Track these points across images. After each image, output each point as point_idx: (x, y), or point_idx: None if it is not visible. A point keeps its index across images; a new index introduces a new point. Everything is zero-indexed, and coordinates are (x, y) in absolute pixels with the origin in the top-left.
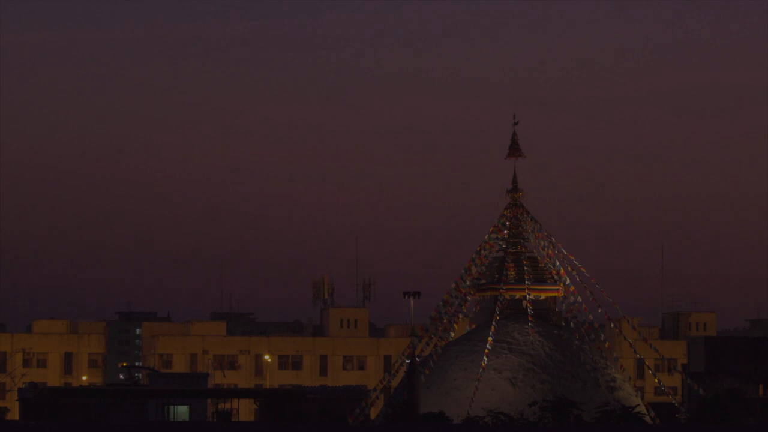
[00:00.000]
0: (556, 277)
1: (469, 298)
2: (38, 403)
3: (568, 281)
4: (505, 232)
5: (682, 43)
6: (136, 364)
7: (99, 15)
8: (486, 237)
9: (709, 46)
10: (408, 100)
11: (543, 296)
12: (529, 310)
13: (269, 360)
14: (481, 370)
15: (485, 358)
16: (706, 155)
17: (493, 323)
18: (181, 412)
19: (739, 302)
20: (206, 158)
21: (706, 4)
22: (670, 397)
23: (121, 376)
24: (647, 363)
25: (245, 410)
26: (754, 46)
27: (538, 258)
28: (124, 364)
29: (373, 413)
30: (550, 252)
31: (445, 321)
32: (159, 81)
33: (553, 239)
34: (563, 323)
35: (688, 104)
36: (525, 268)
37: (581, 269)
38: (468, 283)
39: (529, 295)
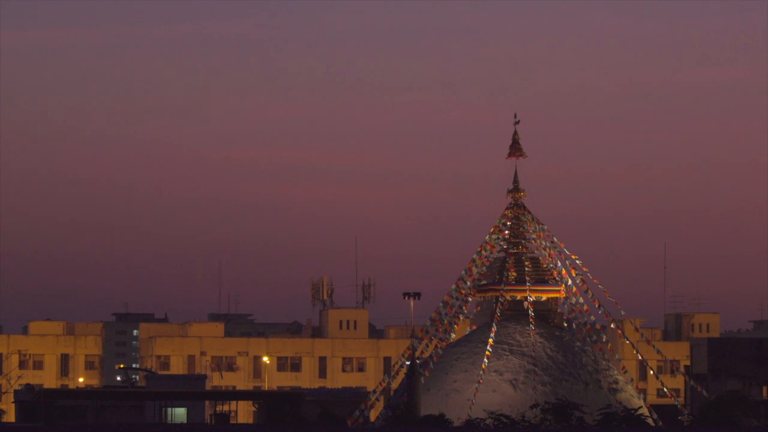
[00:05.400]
0: (557, 278)
1: (470, 299)
2: (35, 405)
3: (569, 282)
4: (506, 232)
5: (682, 42)
6: (134, 365)
7: (99, 15)
8: (487, 237)
9: (710, 46)
10: (408, 99)
11: (544, 297)
12: (530, 312)
13: (268, 361)
14: (481, 371)
15: (486, 359)
16: (709, 155)
17: (494, 324)
18: (179, 413)
19: (742, 303)
20: (205, 158)
21: (707, 4)
22: (673, 399)
23: (119, 378)
24: (650, 365)
25: (243, 412)
26: (756, 46)
27: (540, 258)
28: (122, 366)
29: (373, 415)
30: (551, 252)
31: (445, 322)
32: (159, 81)
33: (554, 240)
34: (565, 324)
35: (689, 104)
36: (526, 268)
37: (583, 269)
38: (468, 284)
39: (530, 296)
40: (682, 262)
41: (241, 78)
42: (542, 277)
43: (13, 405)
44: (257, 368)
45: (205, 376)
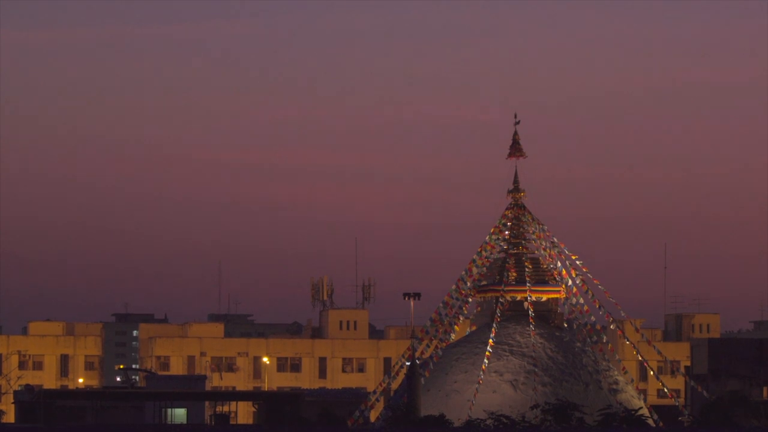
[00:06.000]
0: (557, 279)
1: (470, 300)
2: (34, 405)
3: (569, 282)
4: (506, 232)
5: (682, 42)
6: (133, 366)
7: (99, 15)
8: (487, 238)
9: (711, 46)
10: (408, 99)
11: (544, 298)
12: (530, 312)
13: (268, 362)
14: (481, 372)
15: (486, 360)
16: (709, 155)
17: (494, 325)
18: (179, 414)
19: (742, 304)
20: (205, 159)
21: (708, 4)
22: (673, 399)
23: (118, 379)
24: (650, 365)
25: (243, 413)
26: (757, 46)
27: (540, 259)
28: (121, 366)
29: (373, 416)
30: (551, 253)
31: (445, 323)
32: (159, 81)
33: (554, 240)
34: (565, 325)
35: (689, 104)
36: (526, 269)
37: (583, 270)
38: (469, 284)
39: (530, 296)
40: (683, 262)
41: (242, 78)
42: (542, 278)
43: (13, 405)
44: (257, 369)
45: (204, 377)
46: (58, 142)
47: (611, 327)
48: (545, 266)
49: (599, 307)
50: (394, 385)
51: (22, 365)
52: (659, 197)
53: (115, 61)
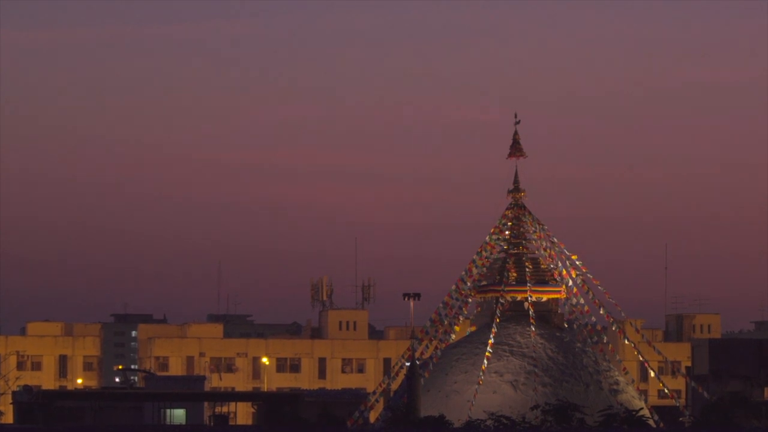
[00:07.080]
0: (558, 279)
1: (470, 300)
2: (33, 406)
3: (570, 283)
4: (507, 232)
5: (683, 42)
6: (132, 366)
7: (99, 15)
8: (487, 238)
9: (711, 46)
10: (408, 99)
11: (545, 298)
12: (530, 312)
13: (267, 363)
14: (481, 372)
15: (486, 360)
16: (709, 155)
17: (494, 325)
18: (178, 415)
19: (743, 304)
20: (204, 159)
21: (708, 4)
22: (674, 400)
23: (117, 379)
24: (651, 366)
25: (243, 413)
26: (757, 46)
27: (540, 259)
28: (120, 367)
29: (373, 416)
30: (552, 253)
31: (445, 323)
32: (159, 81)
33: (555, 240)
34: (565, 325)
35: (690, 104)
36: (526, 269)
37: (583, 270)
38: (469, 284)
39: (530, 297)
40: (683, 262)
41: (241, 78)
42: (543, 278)
43: (11, 406)
44: (256, 369)
45: (204, 377)
46: (58, 142)
47: (612, 327)
48: (545, 266)
49: (599, 307)
50: (394, 386)
51: (20, 366)
52: (659, 197)
53: (115, 61)
